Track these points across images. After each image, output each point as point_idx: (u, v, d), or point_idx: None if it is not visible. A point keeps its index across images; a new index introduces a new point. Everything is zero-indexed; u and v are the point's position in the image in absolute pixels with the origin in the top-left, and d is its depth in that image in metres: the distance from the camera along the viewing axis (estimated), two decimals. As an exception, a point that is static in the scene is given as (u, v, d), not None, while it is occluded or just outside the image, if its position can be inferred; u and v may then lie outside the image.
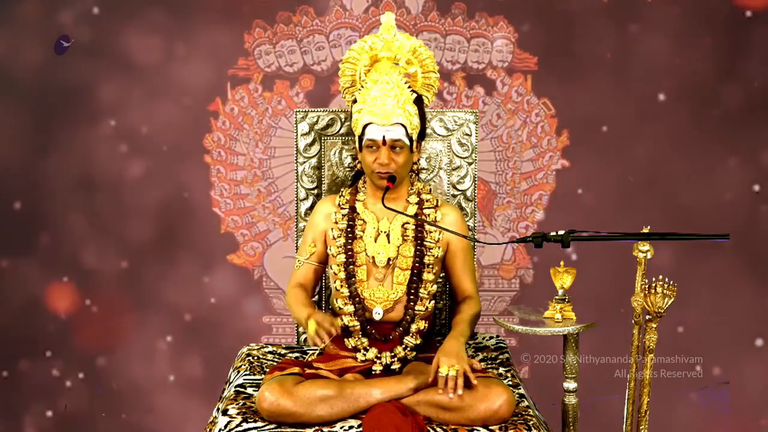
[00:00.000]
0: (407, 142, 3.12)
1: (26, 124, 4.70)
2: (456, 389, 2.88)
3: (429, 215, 3.20)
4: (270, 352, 3.45)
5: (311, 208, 3.49)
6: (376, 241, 3.19)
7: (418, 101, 3.18)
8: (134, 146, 4.73)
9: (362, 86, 3.20)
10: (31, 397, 4.79)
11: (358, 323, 3.16)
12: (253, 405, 3.03)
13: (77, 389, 4.79)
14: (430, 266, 3.18)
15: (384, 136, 3.11)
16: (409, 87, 3.17)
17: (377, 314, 3.15)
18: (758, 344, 4.72)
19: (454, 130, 3.51)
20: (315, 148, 3.50)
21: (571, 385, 3.11)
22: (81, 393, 4.79)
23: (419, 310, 3.16)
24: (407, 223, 3.20)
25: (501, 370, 3.32)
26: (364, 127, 3.13)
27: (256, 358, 3.40)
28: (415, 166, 3.28)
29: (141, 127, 4.71)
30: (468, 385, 2.91)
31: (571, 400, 3.12)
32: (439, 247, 3.20)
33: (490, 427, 2.92)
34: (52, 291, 4.77)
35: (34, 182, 4.72)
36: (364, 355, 3.14)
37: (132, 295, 4.78)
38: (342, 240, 3.20)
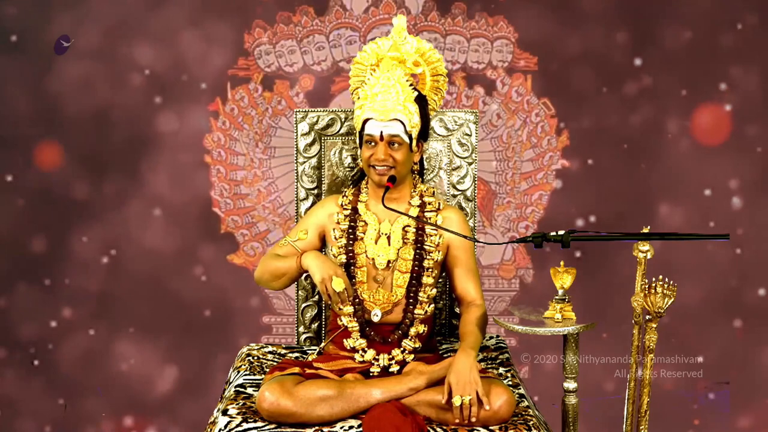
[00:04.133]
0: (405, 139, 3.12)
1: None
2: (470, 417, 2.89)
3: (430, 218, 3.20)
4: (270, 352, 3.45)
5: (311, 208, 3.48)
6: (376, 243, 3.19)
7: (421, 100, 3.18)
8: (134, 146, 4.74)
9: (366, 83, 3.20)
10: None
11: (357, 324, 3.15)
12: (253, 405, 3.03)
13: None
14: (430, 270, 3.18)
15: (382, 132, 3.11)
16: (411, 85, 3.17)
17: (375, 316, 3.15)
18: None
19: (454, 130, 3.51)
20: (315, 148, 3.50)
21: (571, 385, 3.10)
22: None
23: (418, 314, 3.16)
24: (408, 225, 3.20)
25: (501, 370, 3.32)
26: (364, 122, 3.14)
27: (256, 358, 3.40)
28: (415, 167, 3.28)
29: (142, 126, 4.73)
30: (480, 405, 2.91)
31: (571, 400, 3.12)
32: (439, 251, 3.19)
33: (490, 427, 2.91)
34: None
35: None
36: (362, 356, 3.14)
37: (131, 297, 4.79)
38: (343, 241, 3.19)
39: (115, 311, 4.78)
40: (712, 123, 4.72)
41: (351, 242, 3.19)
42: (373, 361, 3.13)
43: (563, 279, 3.09)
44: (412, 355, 3.15)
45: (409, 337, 3.16)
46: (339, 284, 3.03)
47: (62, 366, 4.78)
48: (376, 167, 3.13)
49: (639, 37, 4.70)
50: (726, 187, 4.71)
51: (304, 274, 3.16)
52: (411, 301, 3.16)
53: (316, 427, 2.91)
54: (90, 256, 4.76)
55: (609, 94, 4.71)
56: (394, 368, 3.12)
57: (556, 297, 3.10)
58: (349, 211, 3.23)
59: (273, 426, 2.91)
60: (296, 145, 3.51)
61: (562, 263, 3.10)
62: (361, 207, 3.23)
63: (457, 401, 2.88)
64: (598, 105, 4.71)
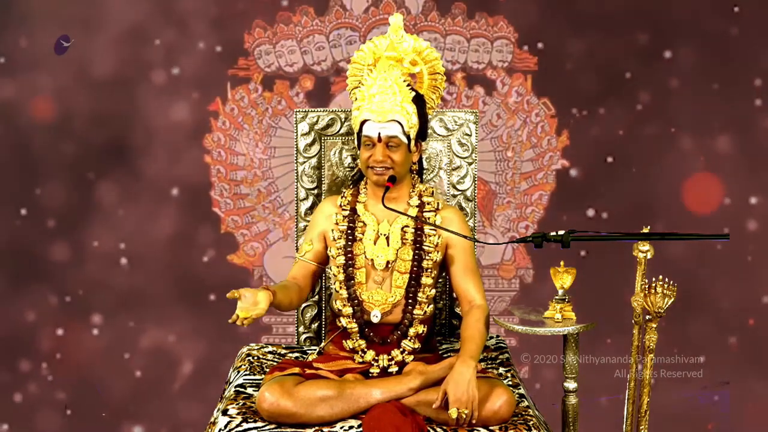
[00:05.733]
0: (404, 139, 3.12)
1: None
2: (464, 426, 2.90)
3: (429, 218, 3.19)
4: (270, 352, 3.45)
5: (311, 208, 3.49)
6: (375, 244, 3.18)
7: (418, 100, 3.18)
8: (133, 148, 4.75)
9: (363, 84, 3.20)
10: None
11: (356, 325, 3.15)
12: (253, 405, 3.03)
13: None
14: (429, 270, 3.17)
15: (380, 133, 3.11)
16: (409, 85, 3.17)
17: (375, 317, 3.14)
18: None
19: (454, 130, 3.50)
20: (315, 148, 3.50)
21: (571, 385, 3.11)
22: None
23: (417, 314, 3.15)
24: (407, 226, 3.19)
25: (501, 370, 3.32)
26: (362, 124, 3.13)
27: (256, 358, 3.40)
28: (414, 167, 3.28)
29: (143, 127, 4.73)
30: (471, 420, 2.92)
31: (571, 400, 3.12)
32: (437, 252, 3.19)
33: (490, 427, 2.91)
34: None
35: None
36: (362, 357, 3.14)
37: (132, 300, 4.79)
38: (342, 242, 3.19)
39: (116, 311, 4.79)
40: (729, 123, 4.73)
41: (350, 243, 3.18)
42: (372, 362, 3.13)
43: (563, 279, 3.09)
44: (412, 356, 3.15)
45: (409, 338, 3.15)
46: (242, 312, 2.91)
47: (70, 371, 4.80)
48: (375, 168, 3.13)
49: (640, 37, 4.70)
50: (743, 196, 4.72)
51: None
52: (410, 301, 3.15)
53: (316, 428, 2.91)
54: (88, 257, 4.76)
55: (610, 94, 4.71)
56: (393, 369, 3.12)
57: (556, 297, 3.10)
58: (347, 212, 3.22)
59: (273, 426, 2.91)
60: (296, 145, 3.51)
61: (562, 263, 3.10)
62: (359, 207, 3.22)
63: (453, 413, 2.88)
64: (598, 105, 4.71)
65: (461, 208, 3.49)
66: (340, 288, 3.17)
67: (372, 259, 3.17)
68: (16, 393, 4.79)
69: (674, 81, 4.71)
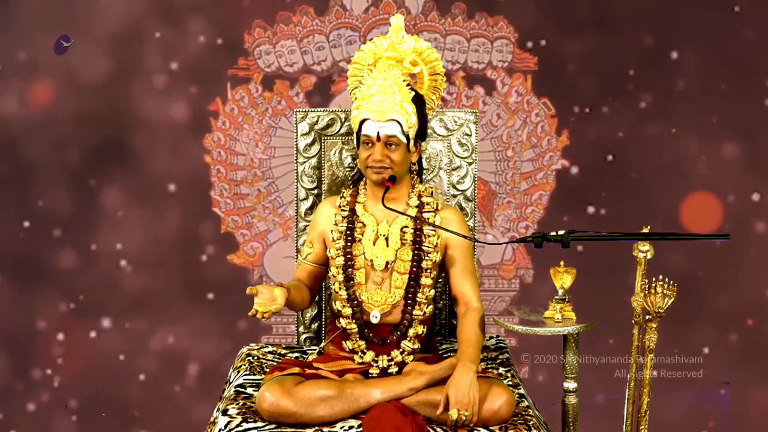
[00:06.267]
0: (403, 139, 3.12)
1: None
2: (464, 427, 2.90)
3: (428, 219, 3.19)
4: (270, 352, 3.45)
5: (311, 208, 3.49)
6: (374, 245, 3.18)
7: (418, 100, 3.18)
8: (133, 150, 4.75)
9: (363, 84, 3.20)
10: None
11: (356, 326, 3.15)
12: (253, 405, 3.03)
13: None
14: (428, 271, 3.17)
15: (378, 132, 3.10)
16: (408, 85, 3.16)
17: (374, 318, 3.14)
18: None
19: (454, 130, 3.50)
20: (315, 148, 3.50)
21: (571, 385, 3.10)
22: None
23: (417, 315, 3.15)
24: (406, 226, 3.19)
25: (501, 370, 3.32)
26: (361, 123, 3.13)
27: (256, 358, 3.40)
28: (413, 167, 3.27)
29: (143, 128, 4.73)
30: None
31: (571, 400, 3.12)
32: (437, 252, 3.19)
33: (490, 427, 2.92)
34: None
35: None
36: (361, 357, 3.14)
37: (132, 302, 4.79)
38: (341, 242, 3.19)
39: (117, 314, 4.79)
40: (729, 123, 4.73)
41: (349, 244, 3.18)
42: (372, 363, 3.13)
43: (563, 279, 3.09)
44: (411, 357, 3.15)
45: (408, 338, 3.15)
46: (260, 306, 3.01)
47: (74, 375, 4.80)
48: (374, 167, 3.13)
49: (640, 37, 4.70)
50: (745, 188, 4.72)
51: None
52: (409, 302, 3.15)
53: (316, 428, 2.91)
54: (89, 260, 4.76)
55: (609, 94, 4.71)
56: (393, 369, 3.12)
57: (556, 297, 3.10)
58: (347, 213, 3.22)
59: (273, 426, 2.91)
60: (296, 145, 3.51)
61: (562, 263, 3.10)
62: (359, 208, 3.22)
63: (454, 414, 2.88)
64: (598, 105, 4.71)
65: (461, 208, 3.49)
66: (340, 289, 3.17)
67: (371, 260, 3.16)
68: (22, 399, 4.79)
69: (679, 81, 4.71)
